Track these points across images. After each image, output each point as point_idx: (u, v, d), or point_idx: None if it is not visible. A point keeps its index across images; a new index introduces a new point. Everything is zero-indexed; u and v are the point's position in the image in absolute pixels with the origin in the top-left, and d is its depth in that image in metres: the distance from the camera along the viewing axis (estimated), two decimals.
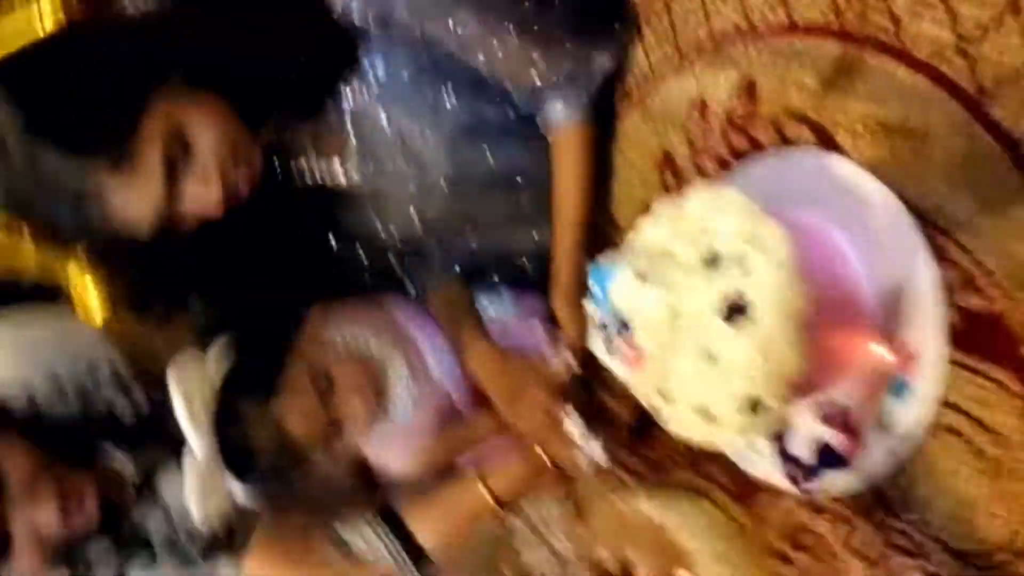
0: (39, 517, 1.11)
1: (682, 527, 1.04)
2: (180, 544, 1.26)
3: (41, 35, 1.53)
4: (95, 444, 1.23)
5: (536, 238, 1.32)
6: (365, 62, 1.19)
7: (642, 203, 1.19)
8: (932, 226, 0.83)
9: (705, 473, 1.10)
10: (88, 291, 1.69)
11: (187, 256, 1.14)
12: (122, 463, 1.24)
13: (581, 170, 1.23)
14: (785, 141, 0.98)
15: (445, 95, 1.21)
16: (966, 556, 0.81)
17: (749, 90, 1.03)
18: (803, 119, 0.96)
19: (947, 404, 0.82)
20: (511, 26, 1.13)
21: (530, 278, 1.35)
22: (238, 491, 1.16)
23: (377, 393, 1.25)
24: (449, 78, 1.20)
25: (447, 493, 1.28)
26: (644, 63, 1.19)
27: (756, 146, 1.02)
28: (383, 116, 1.21)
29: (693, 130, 1.11)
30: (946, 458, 0.82)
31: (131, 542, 1.24)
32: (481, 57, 1.16)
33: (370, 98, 1.20)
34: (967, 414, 0.80)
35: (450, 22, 1.13)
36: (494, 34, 1.14)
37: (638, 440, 1.20)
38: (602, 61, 1.19)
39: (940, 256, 0.82)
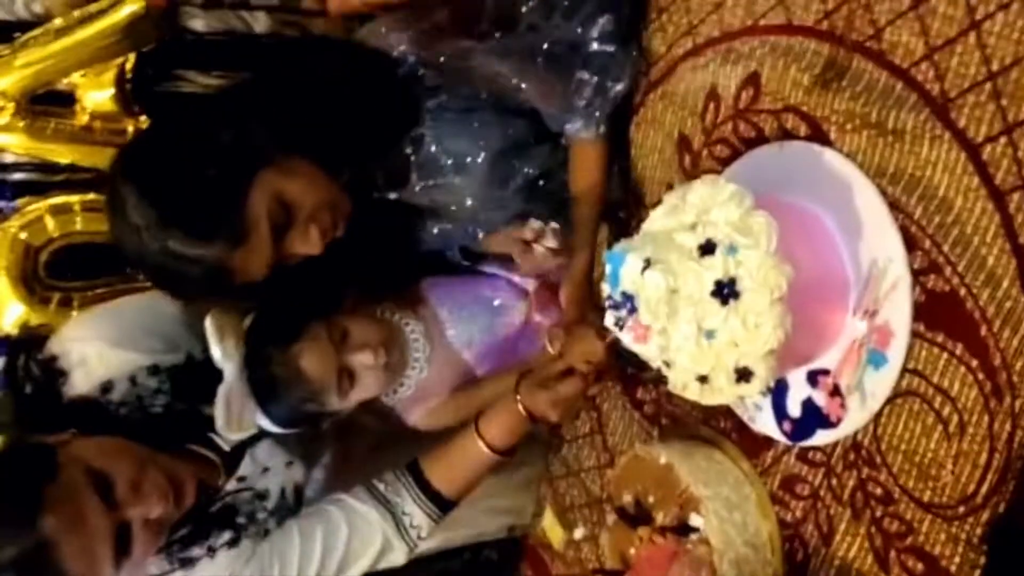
0: (150, 511, 1.19)
1: (696, 475, 1.15)
2: (259, 518, 1.38)
3: None
4: (187, 430, 1.33)
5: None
6: (421, 101, 1.37)
7: (662, 181, 1.30)
8: (904, 215, 0.93)
9: (717, 427, 1.22)
10: None
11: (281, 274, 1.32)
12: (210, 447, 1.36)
13: (595, 178, 1.39)
14: (784, 131, 1.08)
15: (487, 120, 1.39)
16: (930, 507, 0.93)
17: (754, 83, 1.12)
18: (799, 112, 1.06)
19: (913, 372, 0.93)
20: (540, 62, 1.30)
21: None
22: (264, 422, 1.35)
23: (388, 350, 1.41)
24: (489, 106, 1.38)
25: (453, 446, 1.42)
26: (664, 52, 1.29)
27: (760, 134, 1.12)
28: (436, 142, 1.39)
29: (708, 118, 1.21)
30: (911, 419, 0.94)
31: (220, 521, 1.35)
32: (513, 88, 1.33)
33: (425, 128, 1.39)
34: (929, 381, 0.91)
35: (488, 64, 1.30)
36: (524, 72, 1.31)
37: (664, 397, 1.33)
38: (616, 88, 1.32)
39: (910, 242, 0.93)
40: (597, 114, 1.33)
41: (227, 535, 1.35)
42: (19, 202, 1.77)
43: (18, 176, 1.77)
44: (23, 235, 1.76)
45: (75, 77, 1.70)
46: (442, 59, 1.30)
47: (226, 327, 1.32)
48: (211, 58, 1.77)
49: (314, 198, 1.26)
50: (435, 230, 1.48)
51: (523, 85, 1.31)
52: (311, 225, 1.27)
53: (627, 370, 1.37)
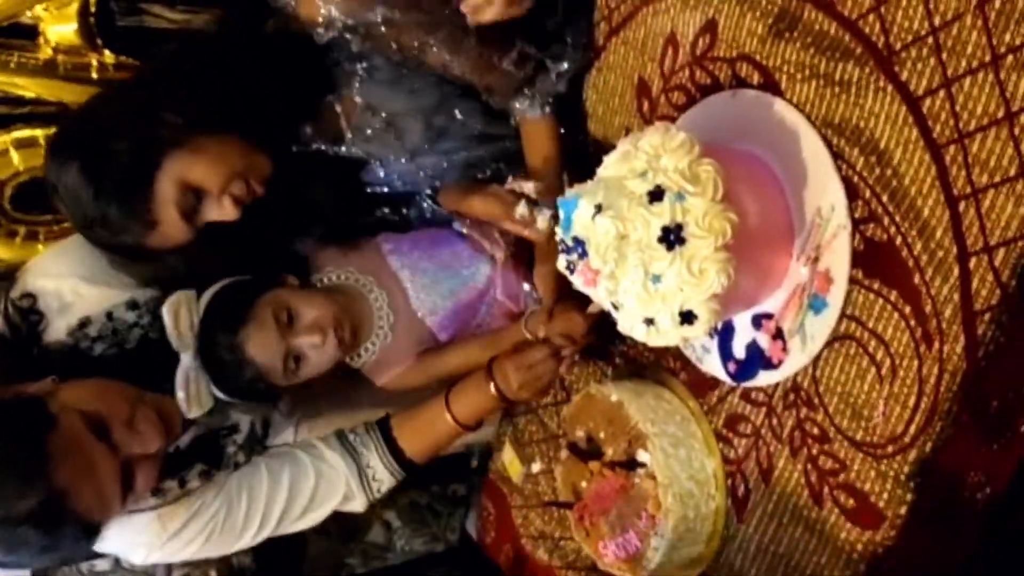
0: (148, 447, 1.22)
1: (644, 413, 1.19)
2: (229, 451, 1.43)
3: None
4: (160, 365, 1.34)
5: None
6: (348, 63, 1.39)
7: (621, 126, 1.32)
8: (848, 165, 0.96)
9: (667, 367, 1.26)
10: None
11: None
12: None
13: (550, 152, 1.41)
14: (738, 79, 1.10)
15: (420, 83, 1.41)
16: (862, 445, 0.97)
17: (711, 30, 1.14)
18: (752, 61, 1.07)
19: (851, 317, 0.97)
20: (471, 35, 1.29)
21: None
22: (222, 396, 1.38)
23: (340, 326, 1.43)
24: (420, 70, 1.39)
25: (423, 413, 1.48)
26: None
27: (715, 82, 1.14)
28: (367, 105, 1.42)
29: (666, 63, 1.22)
30: (847, 362, 0.98)
31: (192, 455, 1.39)
32: (444, 63, 1.34)
33: (354, 90, 1.41)
34: (865, 326, 0.95)
35: (416, 34, 1.31)
36: (454, 45, 1.31)
37: (617, 337, 1.36)
38: (560, 67, 1.34)
39: (852, 191, 0.95)
40: (541, 94, 1.35)
41: (198, 467, 1.39)
42: None
43: None
44: None
45: (38, 10, 1.68)
46: (369, 26, 1.31)
47: (181, 313, 1.34)
48: None
49: (222, 176, 1.30)
50: (380, 172, 1.50)
51: (454, 60, 1.32)
52: (223, 197, 1.30)
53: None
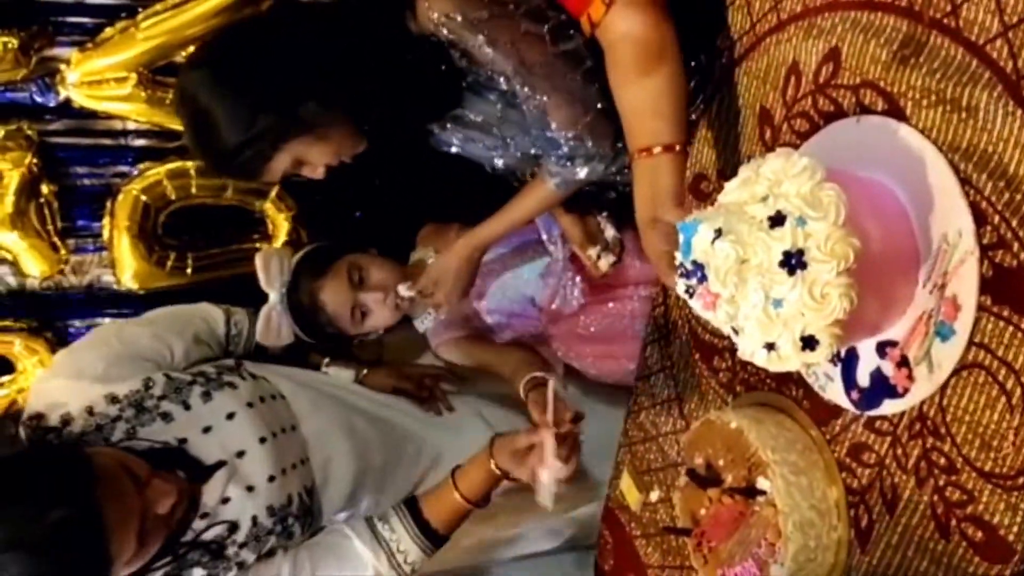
0: (162, 504, 1.29)
1: (765, 441, 1.19)
2: (228, 553, 1.45)
3: None
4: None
5: None
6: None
7: (743, 155, 1.33)
8: (975, 190, 0.94)
9: (789, 395, 1.25)
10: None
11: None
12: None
13: (532, 212, 1.62)
14: (862, 106, 1.10)
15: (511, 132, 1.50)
16: (991, 477, 0.95)
17: (834, 58, 1.14)
18: (876, 88, 1.07)
19: (979, 344, 0.95)
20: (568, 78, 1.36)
21: None
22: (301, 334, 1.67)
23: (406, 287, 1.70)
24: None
25: (440, 491, 1.56)
26: (748, 28, 1.31)
27: (839, 109, 1.14)
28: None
29: (788, 92, 1.23)
30: (976, 391, 0.95)
31: (191, 559, 1.41)
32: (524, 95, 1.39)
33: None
34: (994, 354, 0.93)
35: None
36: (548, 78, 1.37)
37: (739, 366, 1.36)
38: (596, 165, 1.42)
39: (980, 217, 0.94)
40: (572, 178, 1.45)
41: (198, 572, 1.42)
42: (140, 167, 1.90)
43: (139, 142, 1.89)
44: (144, 197, 1.89)
45: (190, 51, 1.80)
46: (469, 47, 1.35)
47: (272, 261, 1.66)
48: None
49: (330, 159, 1.42)
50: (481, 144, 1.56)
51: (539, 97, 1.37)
52: (321, 172, 1.44)
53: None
